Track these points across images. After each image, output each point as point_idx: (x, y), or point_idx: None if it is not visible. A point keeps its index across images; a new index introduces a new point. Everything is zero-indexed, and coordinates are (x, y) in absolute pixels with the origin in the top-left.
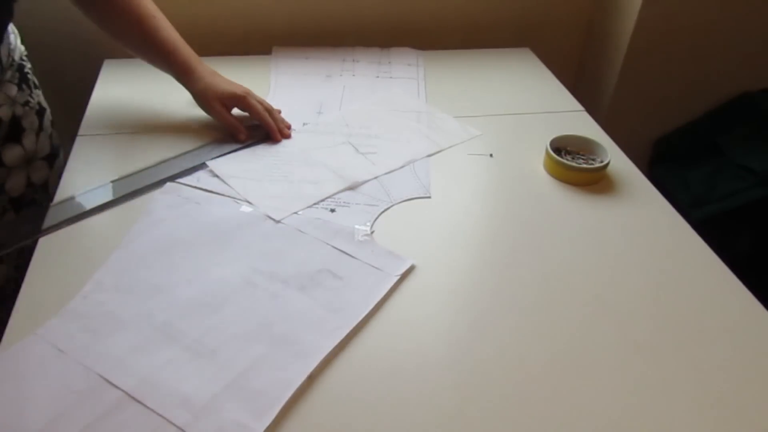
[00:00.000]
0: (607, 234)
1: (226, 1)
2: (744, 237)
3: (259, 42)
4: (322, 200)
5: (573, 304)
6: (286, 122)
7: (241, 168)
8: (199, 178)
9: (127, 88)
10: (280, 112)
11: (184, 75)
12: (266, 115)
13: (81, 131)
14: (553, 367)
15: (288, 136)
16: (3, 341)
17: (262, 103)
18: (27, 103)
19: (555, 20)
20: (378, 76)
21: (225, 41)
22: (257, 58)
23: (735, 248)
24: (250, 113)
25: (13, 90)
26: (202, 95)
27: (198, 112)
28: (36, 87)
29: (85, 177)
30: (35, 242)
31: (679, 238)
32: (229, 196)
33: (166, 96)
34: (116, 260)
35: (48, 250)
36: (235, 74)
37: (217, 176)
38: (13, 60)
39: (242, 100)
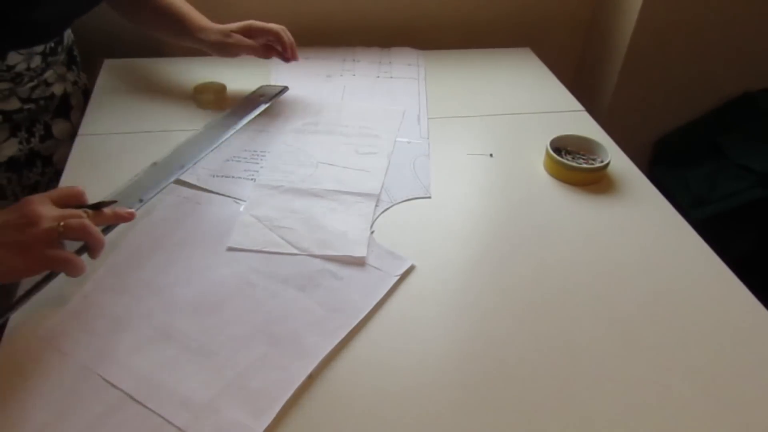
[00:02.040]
0: (607, 234)
1: (226, 1)
2: (744, 237)
3: None
4: (375, 219)
5: (573, 303)
6: (294, 47)
7: (271, 209)
8: (199, 177)
9: (127, 89)
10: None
11: (199, 33)
12: (280, 31)
13: (81, 131)
14: (553, 366)
15: (296, 56)
16: (3, 341)
17: (270, 27)
18: (75, 82)
19: (555, 20)
20: (378, 76)
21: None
22: (258, 58)
23: (735, 248)
24: (263, 34)
25: (65, 69)
26: (217, 42)
27: (198, 112)
28: (81, 70)
29: (85, 177)
30: None
31: (679, 238)
32: (229, 196)
33: (166, 96)
34: (116, 260)
35: None
36: (236, 74)
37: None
38: (66, 42)
39: (250, 26)
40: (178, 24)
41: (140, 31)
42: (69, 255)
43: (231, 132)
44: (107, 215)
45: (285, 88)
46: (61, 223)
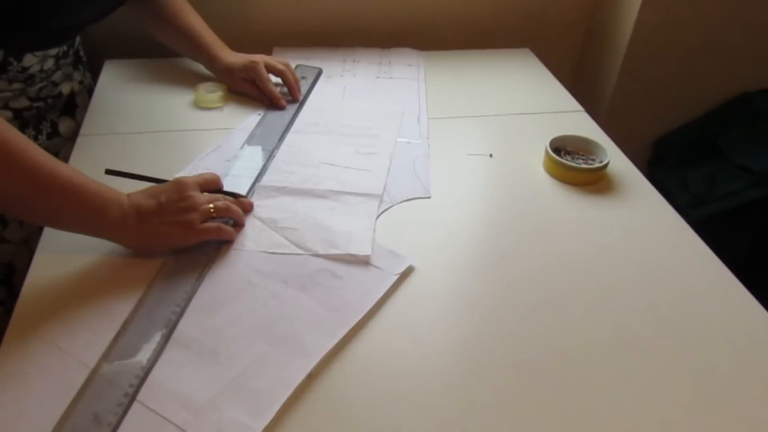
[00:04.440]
0: (607, 234)
1: (226, 1)
2: (743, 237)
3: (259, 43)
4: (379, 215)
5: (572, 303)
6: (298, 85)
7: (275, 210)
8: None
9: (127, 88)
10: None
11: (208, 62)
12: (269, 84)
13: (82, 131)
14: (552, 367)
15: (297, 99)
16: (4, 341)
17: (274, 66)
18: (81, 82)
19: (555, 20)
20: (378, 77)
21: (225, 42)
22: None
23: (734, 248)
24: (257, 82)
25: (72, 69)
26: (224, 77)
27: (198, 114)
28: (87, 70)
29: None
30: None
31: (678, 238)
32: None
33: (167, 96)
34: (118, 259)
35: (49, 248)
36: None
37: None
38: (74, 44)
39: (253, 69)
40: (194, 49)
41: (139, 33)
42: (218, 225)
43: (294, 109)
44: (238, 202)
45: (320, 70)
46: (211, 206)
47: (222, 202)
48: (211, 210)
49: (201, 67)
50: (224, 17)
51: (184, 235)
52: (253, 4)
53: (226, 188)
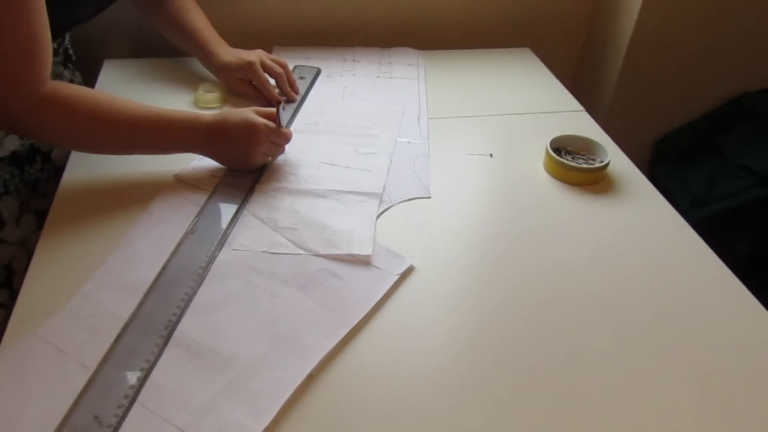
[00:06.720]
0: (607, 234)
1: (226, 1)
2: (744, 237)
3: (259, 42)
4: (379, 214)
5: (572, 303)
6: (295, 87)
7: (275, 210)
8: (199, 177)
9: (127, 88)
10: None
11: (204, 58)
12: (268, 86)
13: None
14: (552, 367)
15: (294, 100)
16: (3, 341)
17: (272, 69)
18: (71, 81)
19: (555, 20)
20: (378, 76)
21: (225, 41)
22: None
23: (735, 248)
24: (255, 83)
25: (61, 69)
26: (219, 75)
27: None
28: (77, 69)
29: (85, 177)
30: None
31: (679, 238)
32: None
33: (166, 96)
34: (116, 260)
35: (48, 249)
36: None
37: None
38: (64, 42)
39: (250, 69)
40: (191, 45)
41: (139, 32)
42: (268, 159)
43: (294, 109)
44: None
45: (319, 70)
46: (269, 158)
47: (277, 152)
48: (268, 160)
49: (201, 67)
50: (224, 16)
51: (238, 165)
52: (253, 4)
53: None
